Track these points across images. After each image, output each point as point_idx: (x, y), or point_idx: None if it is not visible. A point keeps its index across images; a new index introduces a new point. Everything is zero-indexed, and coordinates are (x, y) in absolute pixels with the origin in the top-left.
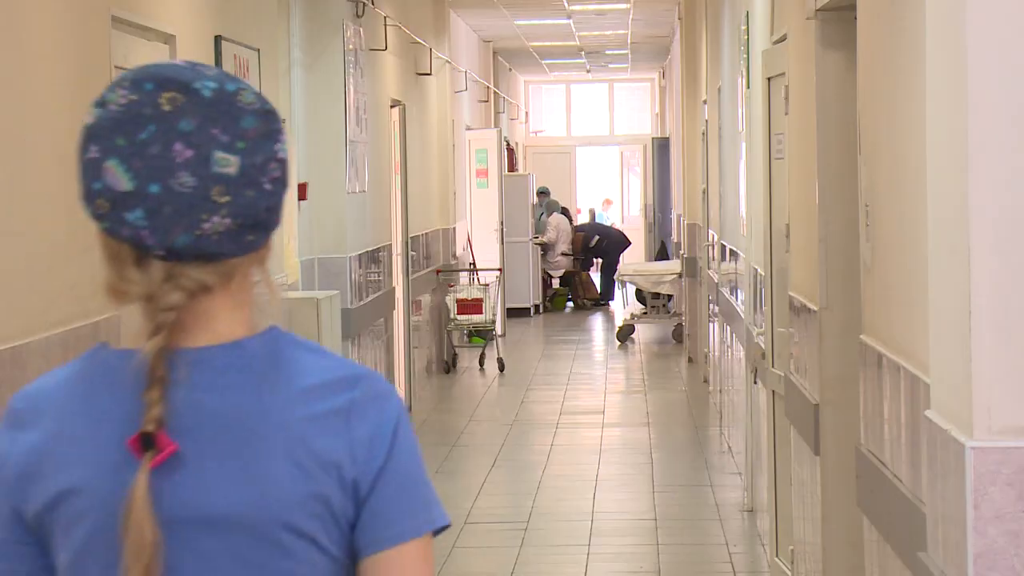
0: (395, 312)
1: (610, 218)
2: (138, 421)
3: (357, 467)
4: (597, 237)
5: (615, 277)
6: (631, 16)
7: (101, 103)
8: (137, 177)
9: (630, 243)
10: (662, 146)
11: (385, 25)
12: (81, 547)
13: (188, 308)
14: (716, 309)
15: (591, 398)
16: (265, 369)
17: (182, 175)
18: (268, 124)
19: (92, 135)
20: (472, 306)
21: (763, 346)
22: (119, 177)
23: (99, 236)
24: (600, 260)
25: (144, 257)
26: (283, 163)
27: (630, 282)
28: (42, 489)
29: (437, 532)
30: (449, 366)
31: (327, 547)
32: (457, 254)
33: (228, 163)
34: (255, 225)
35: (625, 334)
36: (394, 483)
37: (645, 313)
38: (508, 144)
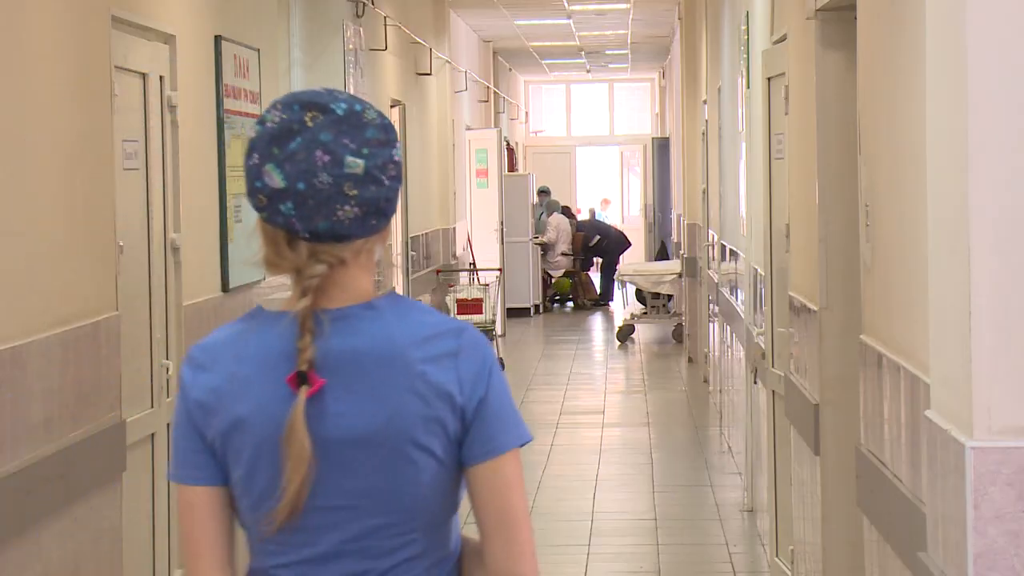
0: None
1: (609, 217)
2: (293, 363)
3: (464, 397)
4: (598, 237)
5: (615, 277)
6: (631, 16)
7: (261, 121)
8: (288, 178)
9: (630, 244)
10: (662, 146)
11: (385, 25)
12: (250, 464)
13: (328, 277)
14: (716, 309)
15: (591, 398)
16: (390, 321)
17: (321, 175)
18: (386, 134)
19: (254, 146)
20: (472, 306)
21: (763, 346)
22: (274, 178)
23: (259, 223)
24: (600, 260)
25: (294, 239)
26: (398, 164)
27: (630, 282)
28: (219, 420)
29: (522, 445)
30: None
31: (441, 457)
32: (457, 254)
33: (356, 165)
34: (377, 212)
35: (625, 334)
36: (491, 410)
37: (645, 313)
38: (508, 144)
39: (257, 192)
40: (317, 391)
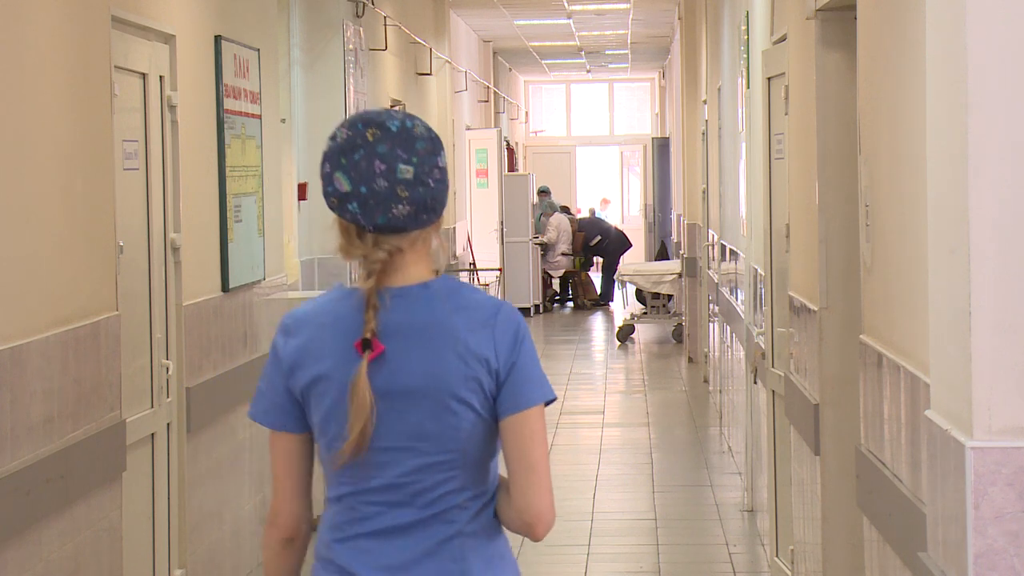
0: None
1: (610, 217)
2: (360, 331)
3: (499, 360)
4: (598, 237)
5: (615, 277)
6: (631, 16)
7: (332, 137)
8: (353, 183)
9: (631, 244)
10: (662, 146)
11: (385, 25)
12: (326, 412)
13: (389, 262)
14: (716, 309)
15: (591, 398)
16: (440, 299)
17: (379, 180)
18: (432, 145)
19: (326, 158)
20: None
21: (763, 346)
22: (342, 183)
23: (335, 219)
24: (600, 260)
25: (361, 232)
26: (443, 169)
27: (630, 282)
28: (304, 374)
29: (547, 403)
30: None
31: (479, 410)
32: (457, 254)
33: (407, 172)
34: (426, 209)
35: (625, 334)
36: (521, 372)
37: (645, 313)
38: (508, 144)
39: (330, 195)
40: (377, 355)
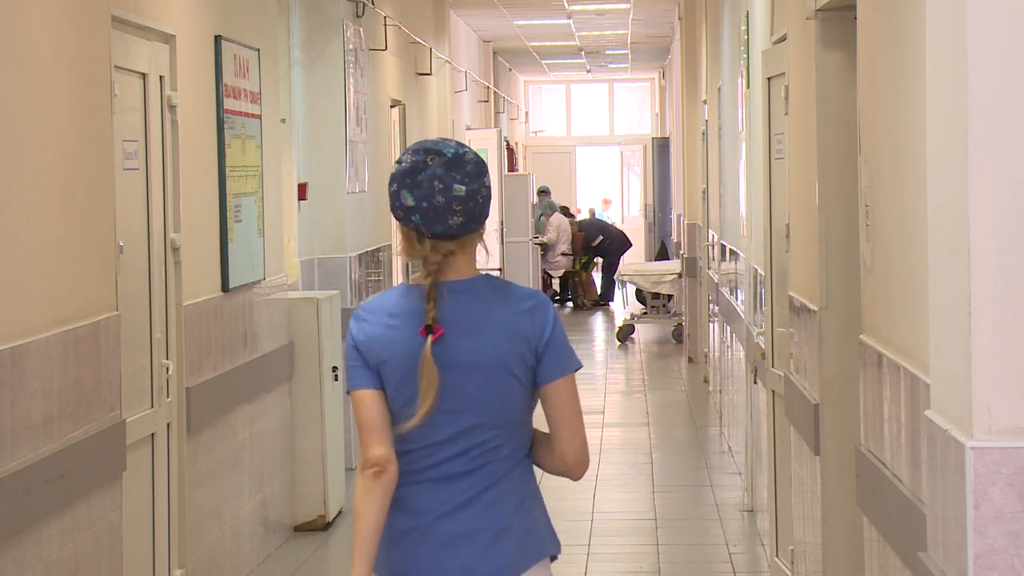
0: None
1: (611, 217)
2: (423, 319)
3: (536, 339)
4: (600, 237)
5: (615, 277)
6: (631, 16)
7: (399, 161)
8: (416, 199)
9: (631, 244)
10: (662, 146)
11: (385, 25)
12: (397, 383)
13: (445, 262)
14: (716, 309)
15: (591, 398)
16: (487, 291)
17: (438, 197)
18: (479, 169)
19: (394, 178)
20: None
21: (763, 346)
22: (407, 199)
23: (400, 227)
24: (601, 260)
25: (422, 238)
26: (488, 188)
27: (630, 282)
28: (375, 354)
29: (576, 371)
30: None
31: (521, 379)
32: None
33: (460, 190)
34: (475, 220)
35: (625, 334)
36: (554, 348)
37: (645, 313)
38: (508, 144)
39: (397, 208)
40: (438, 337)
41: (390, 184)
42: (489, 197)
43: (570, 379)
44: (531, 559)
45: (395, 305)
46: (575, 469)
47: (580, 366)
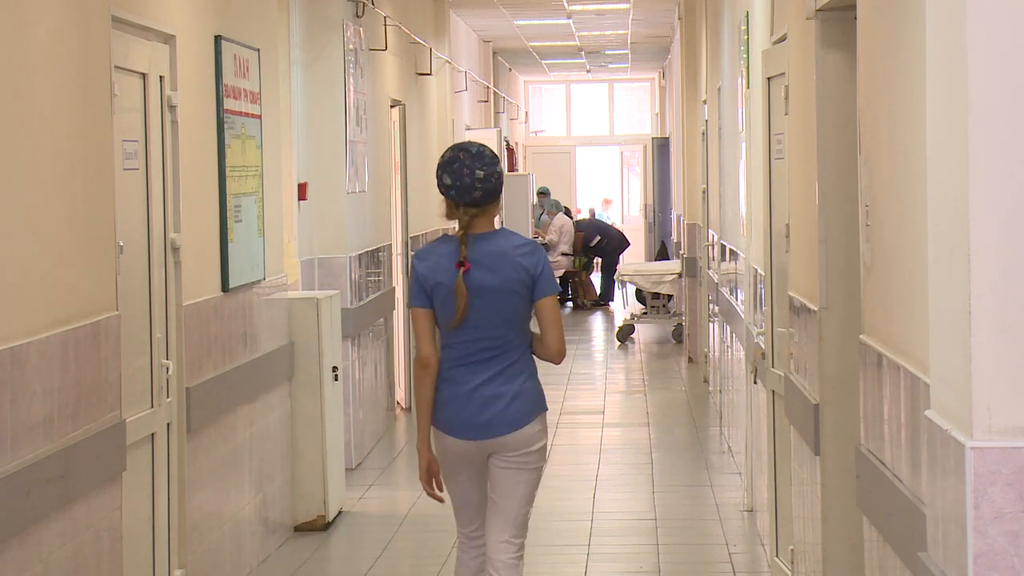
0: (395, 312)
1: (611, 218)
2: (457, 257)
3: (534, 270)
4: (598, 237)
5: (615, 277)
6: (631, 16)
7: (442, 156)
8: (452, 180)
9: (629, 243)
10: (662, 146)
11: (385, 25)
12: (442, 300)
13: (472, 221)
14: (716, 309)
15: (591, 398)
16: (502, 239)
17: (466, 179)
18: (493, 160)
19: (439, 166)
20: None
21: (763, 346)
22: (446, 180)
23: (444, 200)
24: (600, 260)
25: (457, 205)
26: (500, 173)
27: (630, 282)
28: (430, 281)
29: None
30: None
31: (523, 296)
32: None
33: (480, 174)
34: (490, 194)
35: (625, 334)
36: (544, 277)
37: (645, 313)
38: (508, 144)
39: (441, 186)
40: (467, 269)
41: (437, 170)
42: (501, 180)
43: (553, 297)
44: (534, 413)
45: (440, 248)
46: (556, 356)
47: (560, 290)
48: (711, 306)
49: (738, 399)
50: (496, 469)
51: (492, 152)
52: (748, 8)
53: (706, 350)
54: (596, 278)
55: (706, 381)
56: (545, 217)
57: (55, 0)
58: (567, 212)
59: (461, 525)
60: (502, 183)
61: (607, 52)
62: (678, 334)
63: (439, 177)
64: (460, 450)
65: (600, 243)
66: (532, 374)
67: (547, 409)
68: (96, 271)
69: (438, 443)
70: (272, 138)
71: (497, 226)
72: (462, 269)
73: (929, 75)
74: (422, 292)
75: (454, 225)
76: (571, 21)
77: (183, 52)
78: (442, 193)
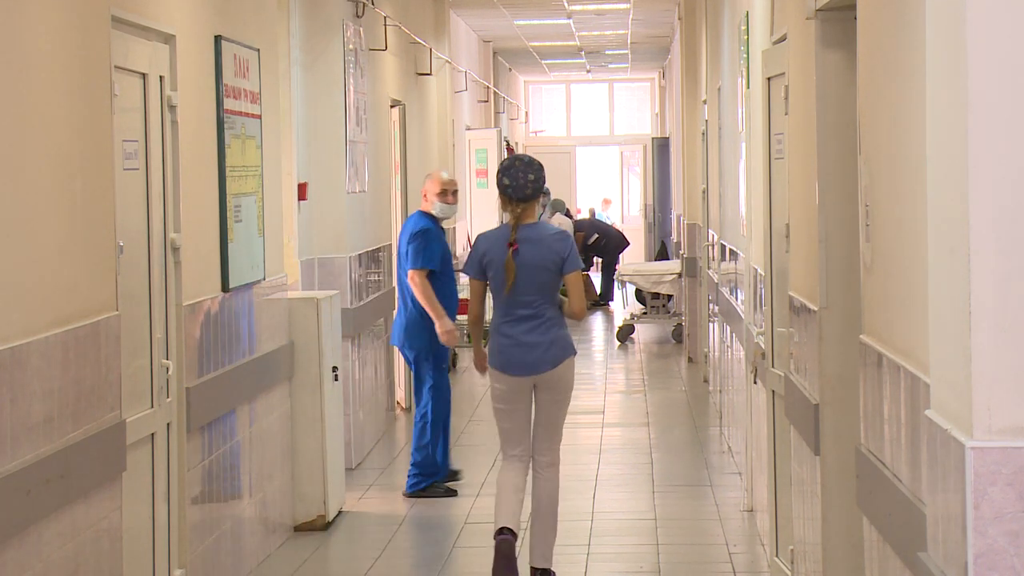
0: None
1: (610, 218)
2: (508, 239)
3: (564, 252)
4: (596, 235)
5: (615, 277)
6: (631, 16)
7: (502, 162)
8: (510, 180)
9: (629, 243)
10: (662, 146)
11: (385, 25)
12: (495, 272)
13: (521, 213)
14: (716, 309)
15: (591, 398)
16: (542, 228)
17: (520, 181)
18: (539, 166)
19: (499, 171)
20: None
21: (763, 346)
22: (505, 181)
23: (501, 196)
24: (600, 259)
25: (510, 201)
26: (543, 177)
27: (630, 282)
28: (487, 257)
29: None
30: (449, 366)
31: (554, 271)
32: (457, 254)
33: (529, 178)
34: (536, 192)
35: (625, 334)
36: (571, 257)
37: (645, 313)
38: (508, 144)
39: (499, 185)
40: (516, 249)
41: (497, 173)
42: (544, 182)
43: (577, 273)
44: (565, 355)
45: (497, 232)
46: (578, 314)
47: (584, 267)
48: (711, 306)
49: (738, 399)
50: (540, 397)
51: (539, 163)
52: (748, 8)
53: (706, 350)
54: (596, 278)
55: (706, 381)
56: (545, 216)
57: (55, 0)
58: (567, 213)
59: (510, 447)
60: (543, 184)
61: (607, 52)
62: (678, 334)
63: (499, 178)
64: (514, 384)
65: (599, 242)
66: (563, 326)
67: (576, 352)
68: (96, 271)
69: (496, 381)
70: (272, 138)
71: (536, 217)
72: (510, 249)
73: (929, 75)
74: (477, 264)
75: (454, 225)
76: (571, 21)
77: (183, 52)
78: (500, 191)
